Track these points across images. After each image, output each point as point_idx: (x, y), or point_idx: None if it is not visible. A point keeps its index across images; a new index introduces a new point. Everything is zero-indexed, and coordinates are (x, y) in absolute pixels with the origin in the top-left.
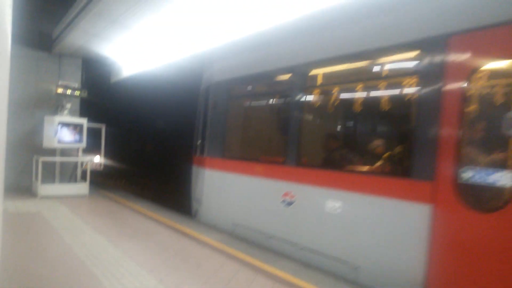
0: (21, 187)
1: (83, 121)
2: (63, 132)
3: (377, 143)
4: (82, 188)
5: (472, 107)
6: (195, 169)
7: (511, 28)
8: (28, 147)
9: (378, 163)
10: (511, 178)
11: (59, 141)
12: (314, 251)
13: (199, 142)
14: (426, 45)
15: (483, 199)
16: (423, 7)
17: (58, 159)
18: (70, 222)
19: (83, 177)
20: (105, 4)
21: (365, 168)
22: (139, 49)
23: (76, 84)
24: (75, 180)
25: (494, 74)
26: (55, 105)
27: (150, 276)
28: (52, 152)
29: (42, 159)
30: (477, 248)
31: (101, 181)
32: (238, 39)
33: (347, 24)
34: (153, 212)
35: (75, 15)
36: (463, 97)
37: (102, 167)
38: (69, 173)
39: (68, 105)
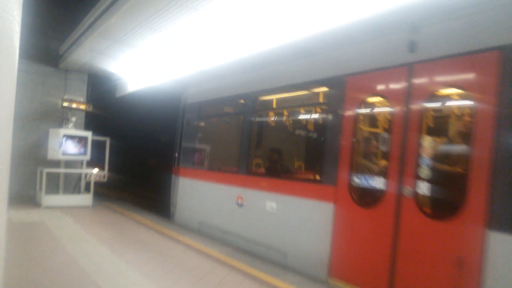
0: (25, 197)
1: (88, 134)
2: (68, 144)
3: (302, 156)
4: (85, 199)
5: (360, 129)
6: (173, 177)
7: (380, 73)
8: (33, 158)
9: (302, 172)
10: (382, 182)
11: (64, 153)
12: (258, 243)
13: (176, 154)
14: (331, 82)
15: (365, 198)
16: (329, 55)
17: (62, 170)
18: (74, 232)
19: (87, 189)
20: (109, 24)
21: (293, 176)
22: (142, 67)
23: (82, 98)
24: (79, 191)
25: (374, 104)
26: (60, 118)
27: (153, 287)
28: (56, 163)
29: (47, 170)
30: (361, 233)
31: (105, 192)
32: (206, 69)
33: (279, 63)
34: (155, 223)
35: (81, 34)
36: (354, 122)
37: (106, 178)
38: (73, 184)
39: (73, 119)
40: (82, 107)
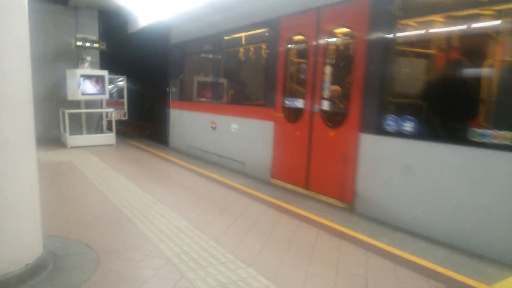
0: (51, 138)
1: (104, 73)
2: (86, 84)
3: (254, 86)
4: (109, 138)
5: (290, 61)
6: (167, 110)
7: (305, 15)
8: (54, 100)
9: (253, 99)
10: (302, 103)
11: (83, 93)
12: (227, 158)
13: (167, 89)
14: (270, 23)
15: (291, 115)
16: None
17: (83, 110)
18: (101, 170)
19: (109, 128)
20: None
21: (247, 102)
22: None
23: (94, 37)
24: (101, 131)
25: (301, 41)
26: (75, 58)
27: (181, 218)
28: (77, 104)
29: (68, 111)
30: (289, 141)
31: (126, 130)
32: (184, 11)
33: (237, 6)
34: (177, 158)
35: None
36: (286, 55)
37: (126, 117)
38: (95, 124)
39: (88, 58)
40: (95, 45)
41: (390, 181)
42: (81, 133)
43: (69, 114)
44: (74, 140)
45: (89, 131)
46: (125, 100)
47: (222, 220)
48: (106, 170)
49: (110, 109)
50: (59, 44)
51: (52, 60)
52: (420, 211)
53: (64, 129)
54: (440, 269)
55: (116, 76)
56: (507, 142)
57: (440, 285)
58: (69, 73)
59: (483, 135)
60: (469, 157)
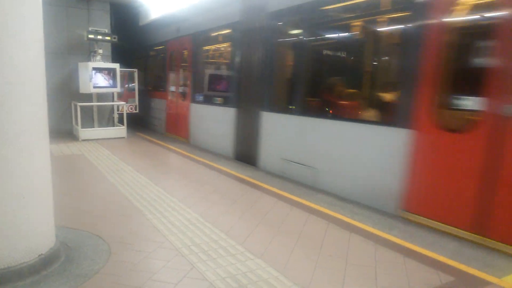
0: (63, 131)
1: (116, 66)
2: (98, 77)
3: (162, 80)
4: (120, 131)
5: (173, 64)
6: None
7: (175, 40)
8: (66, 93)
9: (161, 87)
10: (175, 88)
11: (94, 86)
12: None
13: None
14: (165, 43)
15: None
16: (165, 30)
17: (95, 103)
18: (112, 162)
19: (120, 121)
20: None
21: (159, 89)
22: None
23: (106, 30)
24: (113, 124)
25: (175, 54)
26: (87, 51)
27: (191, 210)
28: (88, 97)
29: (80, 104)
30: (171, 111)
31: (138, 123)
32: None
33: (166, 26)
34: (188, 151)
35: None
36: (170, 61)
37: (137, 110)
38: (106, 117)
39: (100, 51)
40: (107, 38)
41: (198, 125)
42: (92, 126)
43: (81, 107)
44: (86, 133)
45: (101, 124)
46: (136, 93)
47: (232, 212)
48: (117, 162)
49: (122, 102)
50: (72, 37)
51: (65, 53)
52: (208, 138)
53: (76, 122)
54: (450, 262)
55: (128, 70)
56: (219, 102)
57: (450, 277)
58: (81, 66)
59: (217, 100)
60: (217, 110)
